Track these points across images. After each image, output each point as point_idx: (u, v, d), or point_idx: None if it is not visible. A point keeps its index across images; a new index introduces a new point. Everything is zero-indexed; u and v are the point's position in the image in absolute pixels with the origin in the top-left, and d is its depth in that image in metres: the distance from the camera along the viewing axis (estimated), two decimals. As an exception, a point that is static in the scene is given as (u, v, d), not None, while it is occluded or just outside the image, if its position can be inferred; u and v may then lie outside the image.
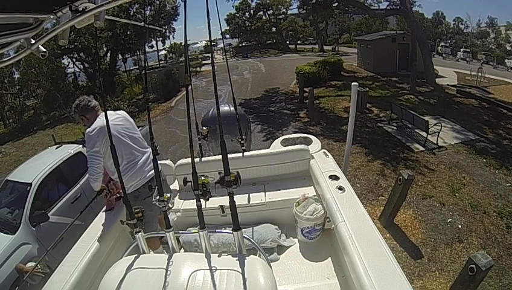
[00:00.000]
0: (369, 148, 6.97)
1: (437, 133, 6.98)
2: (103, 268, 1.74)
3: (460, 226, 4.35)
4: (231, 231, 1.47)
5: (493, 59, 25.44)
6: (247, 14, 33.47)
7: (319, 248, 2.28)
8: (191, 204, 2.37)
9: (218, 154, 2.41)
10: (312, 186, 2.62)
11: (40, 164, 4.20)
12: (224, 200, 1.43)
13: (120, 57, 21.78)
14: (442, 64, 19.29)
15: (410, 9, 13.68)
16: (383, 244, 1.61)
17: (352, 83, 2.98)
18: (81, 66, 20.60)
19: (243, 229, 1.50)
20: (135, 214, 1.58)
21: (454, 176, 5.70)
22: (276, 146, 3.24)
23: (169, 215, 1.60)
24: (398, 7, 14.45)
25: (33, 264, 2.73)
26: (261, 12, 32.90)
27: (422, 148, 6.90)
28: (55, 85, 15.62)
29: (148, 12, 20.08)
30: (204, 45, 36.66)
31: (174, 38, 27.62)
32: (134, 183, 2.25)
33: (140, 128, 2.66)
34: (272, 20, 32.86)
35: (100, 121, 2.20)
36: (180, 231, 2.32)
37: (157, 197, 1.57)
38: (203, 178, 1.42)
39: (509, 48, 32.86)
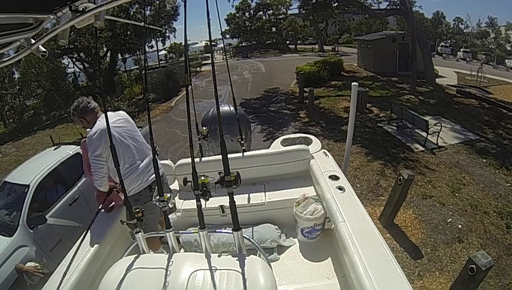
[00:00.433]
0: (369, 148, 6.97)
1: (437, 133, 6.98)
2: (103, 268, 1.74)
3: (460, 226, 4.35)
4: (231, 231, 1.47)
5: (493, 59, 25.44)
6: (247, 14, 33.48)
7: (319, 248, 2.28)
8: (191, 204, 2.37)
9: (218, 154, 2.40)
10: (312, 186, 2.62)
11: (38, 165, 4.15)
12: (224, 200, 1.43)
13: (120, 57, 21.77)
14: (442, 64, 19.29)
15: (410, 9, 13.68)
16: (383, 244, 1.61)
17: (352, 83, 2.98)
18: (81, 66, 20.60)
19: (243, 229, 1.50)
20: (135, 214, 1.58)
21: (454, 176, 5.70)
22: (276, 146, 3.24)
23: (169, 215, 1.60)
24: (398, 7, 14.45)
25: (33, 264, 2.72)
26: (261, 12, 32.90)
27: (422, 148, 6.90)
28: (55, 85, 15.65)
29: (148, 12, 20.05)
30: (204, 45, 36.64)
31: (175, 38, 27.66)
32: (136, 186, 2.23)
33: (140, 128, 2.64)
34: (272, 20, 32.86)
35: (101, 123, 2.16)
36: (180, 231, 2.32)
37: (157, 197, 1.58)
38: (203, 178, 1.42)
39: (509, 48, 32.86)
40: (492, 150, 6.86)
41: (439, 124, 7.24)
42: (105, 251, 2.03)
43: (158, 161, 1.69)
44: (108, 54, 20.32)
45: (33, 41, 0.88)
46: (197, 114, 3.26)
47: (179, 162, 2.85)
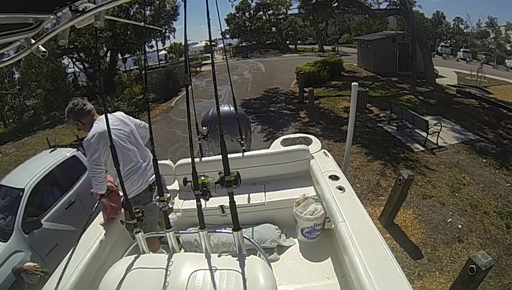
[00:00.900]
0: (369, 148, 6.97)
1: (437, 133, 6.98)
2: (103, 268, 1.74)
3: (460, 226, 4.34)
4: (231, 231, 1.47)
5: (493, 59, 25.44)
6: (247, 14, 33.47)
7: (319, 248, 2.28)
8: (191, 204, 2.37)
9: (218, 154, 2.40)
10: (312, 186, 2.62)
11: (34, 168, 4.07)
12: (224, 200, 1.43)
13: (120, 57, 21.77)
14: (442, 64, 19.29)
15: (410, 9, 13.69)
16: (383, 244, 1.61)
17: (352, 83, 2.98)
18: (81, 66, 20.61)
19: (243, 229, 1.50)
20: (135, 214, 1.58)
21: (454, 176, 5.70)
22: (276, 146, 3.24)
23: (169, 215, 1.60)
24: (398, 7, 14.45)
25: (31, 263, 2.72)
26: (261, 13, 32.89)
27: (422, 148, 6.90)
28: (55, 85, 15.65)
29: (148, 12, 20.05)
30: (204, 45, 36.64)
31: (174, 38, 27.65)
32: (136, 188, 2.22)
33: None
34: (272, 20, 32.85)
35: (98, 126, 2.11)
36: (180, 231, 2.32)
37: (157, 197, 1.58)
38: (203, 178, 1.42)
39: (509, 48, 32.86)
40: (492, 150, 6.86)
41: (439, 124, 7.24)
42: (105, 251, 2.03)
43: (157, 162, 1.68)
44: (108, 54, 20.33)
45: (33, 41, 0.88)
46: (197, 114, 3.26)
47: (179, 162, 2.85)
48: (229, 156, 1.46)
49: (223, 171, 1.40)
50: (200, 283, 1.23)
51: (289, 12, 32.66)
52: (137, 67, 24.00)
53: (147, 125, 2.48)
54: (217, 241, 2.31)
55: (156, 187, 1.62)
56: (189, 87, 1.74)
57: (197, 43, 42.14)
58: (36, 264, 2.71)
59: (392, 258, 1.50)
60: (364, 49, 17.70)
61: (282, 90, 13.63)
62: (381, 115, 9.39)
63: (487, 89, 13.53)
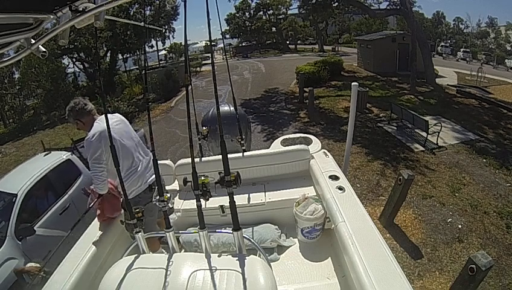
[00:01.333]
0: (369, 148, 6.97)
1: (437, 133, 6.98)
2: (103, 268, 1.74)
3: (460, 226, 4.34)
4: (231, 231, 1.47)
5: (493, 59, 25.44)
6: (247, 14, 33.48)
7: (319, 248, 2.28)
8: (191, 204, 2.37)
9: (218, 154, 2.40)
10: (312, 186, 2.62)
11: (27, 173, 3.94)
12: (224, 200, 1.43)
13: (120, 57, 21.78)
14: (442, 64, 19.29)
15: (410, 9, 13.69)
16: (383, 244, 1.61)
17: (352, 83, 2.98)
18: (81, 66, 20.61)
19: (243, 229, 1.50)
20: (135, 214, 1.57)
21: (454, 176, 5.70)
22: (276, 146, 3.24)
23: (169, 215, 1.60)
24: (398, 7, 14.45)
25: (33, 264, 2.72)
26: (261, 13, 32.89)
27: (422, 148, 6.90)
28: (55, 85, 15.66)
29: (148, 12, 20.06)
30: (204, 45, 36.64)
31: (174, 38, 27.61)
32: (136, 189, 2.22)
33: (136, 131, 2.59)
34: (272, 20, 32.85)
35: (99, 125, 2.11)
36: (180, 231, 2.32)
37: (157, 197, 1.57)
38: (203, 178, 1.42)
39: (509, 48, 32.86)
40: (492, 150, 6.86)
41: (439, 124, 7.24)
42: (105, 251, 2.03)
43: (156, 163, 1.68)
44: (108, 54, 20.33)
45: (33, 41, 0.88)
46: (197, 114, 3.26)
47: (179, 162, 2.85)
48: (229, 156, 1.45)
49: (223, 171, 1.40)
50: (200, 283, 1.23)
51: (289, 12, 32.72)
52: (137, 67, 24.01)
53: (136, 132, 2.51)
54: (217, 241, 2.30)
55: (156, 187, 1.62)
56: (189, 87, 1.75)
57: (197, 43, 42.14)
58: (37, 264, 2.71)
59: (392, 258, 1.50)
60: (364, 49, 17.71)
61: (282, 90, 13.63)
62: (381, 115, 9.39)
63: (487, 89, 13.53)
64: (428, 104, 10.55)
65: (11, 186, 3.73)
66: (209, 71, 13.66)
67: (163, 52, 31.78)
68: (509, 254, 3.86)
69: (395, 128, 8.18)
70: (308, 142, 3.17)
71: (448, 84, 14.02)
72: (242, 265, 1.28)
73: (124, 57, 22.33)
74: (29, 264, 2.76)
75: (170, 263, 1.34)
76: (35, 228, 3.40)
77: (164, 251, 2.31)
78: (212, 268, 1.28)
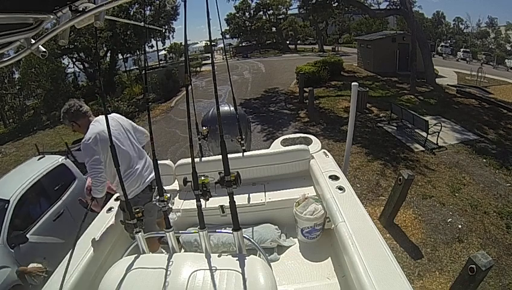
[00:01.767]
0: (369, 148, 6.97)
1: (437, 133, 6.98)
2: (103, 268, 1.74)
3: (460, 226, 4.34)
4: (231, 231, 1.47)
5: (493, 59, 25.45)
6: (247, 14, 33.48)
7: (319, 248, 2.28)
8: (191, 204, 2.37)
9: (218, 154, 2.40)
10: (312, 186, 2.62)
11: (20, 177, 3.82)
12: (224, 200, 1.43)
13: (120, 57, 21.79)
14: (442, 64, 19.29)
15: (410, 9, 13.69)
16: (383, 244, 1.61)
17: (352, 83, 2.98)
18: (81, 66, 20.62)
19: (243, 229, 1.50)
20: (135, 214, 1.57)
21: (454, 176, 5.70)
22: (276, 146, 3.24)
23: (169, 215, 1.60)
24: (398, 7, 14.46)
25: (35, 264, 2.71)
26: (261, 13, 32.89)
27: (422, 148, 6.90)
28: (55, 85, 15.66)
29: (148, 12, 20.07)
30: (204, 45, 36.65)
31: (173, 38, 27.65)
32: (134, 189, 2.22)
33: None
34: (272, 20, 32.86)
35: (95, 127, 2.11)
36: (180, 231, 2.32)
37: (157, 197, 1.57)
38: (203, 178, 1.42)
39: (509, 48, 32.86)
40: (492, 150, 6.86)
41: (439, 124, 7.24)
42: (105, 251, 2.03)
43: (156, 163, 1.68)
44: (108, 54, 20.34)
45: (33, 41, 0.88)
46: (197, 114, 3.26)
47: (179, 162, 2.85)
48: (229, 156, 1.45)
49: (223, 171, 1.40)
50: (200, 283, 1.23)
51: (289, 12, 32.73)
52: (137, 67, 24.02)
53: (145, 131, 2.47)
54: (217, 241, 2.30)
55: (156, 187, 1.62)
56: (189, 87, 1.74)
57: (197, 43, 42.14)
58: (40, 265, 2.70)
59: (392, 258, 1.50)
60: (364, 49, 17.71)
61: (282, 90, 13.63)
62: (381, 115, 9.39)
63: (487, 89, 13.53)
64: (428, 104, 10.55)
65: (3, 192, 3.60)
66: (209, 71, 13.65)
67: (163, 52, 31.79)
68: (509, 254, 3.86)
69: (395, 128, 8.18)
70: (308, 142, 3.17)
71: (448, 84, 14.02)
72: (242, 265, 1.28)
73: (124, 57, 22.33)
74: (31, 265, 2.75)
75: (170, 263, 1.34)
76: (28, 235, 3.30)
77: (164, 251, 2.31)
78: (212, 268, 1.28)
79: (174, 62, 25.45)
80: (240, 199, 2.47)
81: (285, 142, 3.30)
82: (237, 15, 33.38)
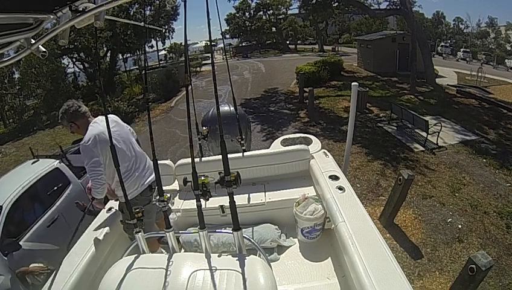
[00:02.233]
0: (369, 148, 6.97)
1: (437, 133, 6.98)
2: (103, 268, 1.74)
3: (460, 226, 4.34)
4: (231, 231, 1.47)
5: (493, 59, 25.44)
6: (247, 14, 33.48)
7: (319, 248, 2.28)
8: (191, 204, 2.37)
9: (218, 154, 2.40)
10: (312, 186, 2.62)
11: (13, 182, 3.70)
12: (224, 200, 1.43)
13: (120, 57, 21.79)
14: (442, 64, 19.29)
15: (410, 9, 13.69)
16: (383, 244, 1.61)
17: (352, 83, 2.98)
18: (81, 66, 20.62)
19: (243, 229, 1.50)
20: (135, 214, 1.57)
21: (454, 176, 5.70)
22: (276, 146, 3.24)
23: (169, 215, 1.60)
24: (398, 7, 14.46)
25: (36, 265, 2.71)
26: (261, 13, 32.89)
27: (422, 148, 6.90)
28: (55, 85, 15.66)
29: (148, 12, 20.07)
30: (204, 45, 36.65)
31: (173, 38, 27.66)
32: (133, 191, 2.21)
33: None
34: (272, 20, 32.86)
35: (94, 129, 2.10)
36: (180, 231, 2.32)
37: (157, 197, 1.57)
38: (203, 178, 1.42)
39: (509, 48, 32.86)
40: (492, 150, 6.85)
41: (439, 124, 7.24)
42: (105, 251, 2.03)
43: (156, 163, 1.68)
44: (108, 54, 20.34)
45: (33, 41, 0.88)
46: (197, 114, 3.26)
47: (179, 162, 2.85)
48: (229, 156, 1.45)
49: (223, 171, 1.40)
50: (200, 283, 1.23)
51: (289, 12, 32.73)
52: (137, 67, 24.02)
53: (134, 133, 2.50)
54: (217, 241, 2.30)
55: (156, 187, 1.62)
56: (189, 87, 1.74)
57: (197, 43, 42.14)
58: (41, 264, 2.70)
59: (392, 258, 1.50)
60: (364, 49, 17.71)
61: (282, 90, 13.63)
62: (381, 115, 9.39)
63: (487, 89, 13.53)
64: (428, 104, 10.55)
65: None
66: (209, 71, 13.66)
67: (163, 52, 31.79)
68: (509, 254, 3.86)
69: (395, 128, 8.18)
70: (308, 142, 3.17)
71: (448, 84, 14.02)
72: (242, 265, 1.28)
73: (124, 57, 22.36)
74: (32, 265, 2.74)
75: (170, 263, 1.34)
76: (21, 242, 3.20)
77: (164, 251, 2.31)
78: (212, 268, 1.28)
79: (174, 62, 25.45)
80: (240, 199, 2.47)
81: (285, 142, 3.30)
82: (237, 15, 33.39)
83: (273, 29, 33.50)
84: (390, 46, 16.03)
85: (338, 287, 1.90)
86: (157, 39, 22.11)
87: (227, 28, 34.84)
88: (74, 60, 19.80)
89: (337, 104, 10.61)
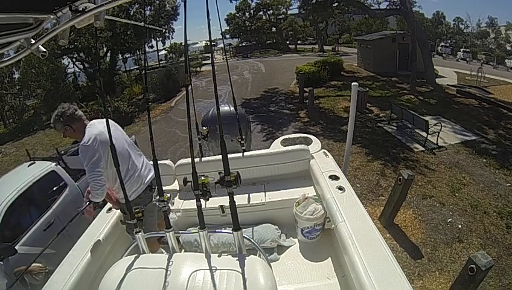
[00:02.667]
0: (369, 148, 6.97)
1: (437, 133, 6.98)
2: (103, 268, 1.74)
3: (460, 226, 4.34)
4: (231, 231, 1.47)
5: (493, 59, 25.44)
6: (247, 14, 33.47)
7: (319, 248, 2.28)
8: (191, 204, 2.37)
9: (218, 154, 2.40)
10: (312, 186, 2.62)
11: (9, 185, 3.64)
12: (224, 200, 1.43)
13: (120, 57, 21.78)
14: (442, 64, 19.28)
15: (410, 9, 13.68)
16: (383, 244, 1.61)
17: (352, 83, 2.99)
18: (81, 66, 20.61)
19: (243, 229, 1.50)
20: (135, 214, 1.57)
21: (454, 176, 5.70)
22: (276, 146, 3.24)
23: (169, 215, 1.60)
24: (398, 7, 14.46)
25: (34, 264, 2.70)
26: (261, 13, 32.88)
27: (422, 148, 6.90)
28: (55, 85, 15.64)
29: (148, 12, 20.07)
30: (204, 45, 36.64)
31: (172, 38, 27.63)
32: (136, 189, 2.22)
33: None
34: (272, 20, 32.85)
35: (93, 130, 2.09)
36: (180, 231, 2.32)
37: (157, 197, 1.57)
38: (203, 178, 1.42)
39: (509, 48, 32.86)
40: (492, 150, 6.85)
41: (439, 124, 7.24)
42: (105, 251, 2.03)
43: (156, 163, 1.68)
44: (108, 54, 20.33)
45: (33, 41, 0.88)
46: (197, 114, 3.26)
47: (179, 162, 2.85)
48: (229, 156, 1.45)
49: (223, 171, 1.40)
50: (200, 283, 1.23)
51: (289, 12, 32.72)
52: (137, 67, 24.01)
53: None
54: (217, 241, 2.31)
55: (156, 187, 1.62)
56: (189, 87, 1.74)
57: (197, 43, 42.13)
58: (40, 264, 2.69)
59: (392, 258, 1.50)
60: (364, 49, 17.70)
61: (282, 90, 13.63)
62: (381, 115, 9.39)
63: (487, 89, 13.53)
64: (428, 104, 10.55)
65: None
66: (209, 71, 13.65)
67: (163, 52, 31.78)
68: (509, 254, 3.86)
69: (395, 128, 8.18)
70: (308, 142, 3.17)
71: (448, 84, 14.02)
72: (242, 265, 1.28)
73: (124, 57, 22.33)
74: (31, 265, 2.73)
75: (170, 263, 1.34)
76: (17, 246, 3.13)
77: (164, 251, 2.31)
78: (212, 268, 1.28)
79: (174, 62, 25.44)
80: (240, 199, 2.48)
81: (285, 142, 3.30)
82: (237, 15, 33.38)
83: (273, 29, 33.49)
84: (390, 46, 16.03)
85: (338, 287, 1.90)
86: (157, 39, 22.11)
87: (227, 28, 34.84)
88: (74, 60, 19.80)
89: (337, 104, 10.61)
